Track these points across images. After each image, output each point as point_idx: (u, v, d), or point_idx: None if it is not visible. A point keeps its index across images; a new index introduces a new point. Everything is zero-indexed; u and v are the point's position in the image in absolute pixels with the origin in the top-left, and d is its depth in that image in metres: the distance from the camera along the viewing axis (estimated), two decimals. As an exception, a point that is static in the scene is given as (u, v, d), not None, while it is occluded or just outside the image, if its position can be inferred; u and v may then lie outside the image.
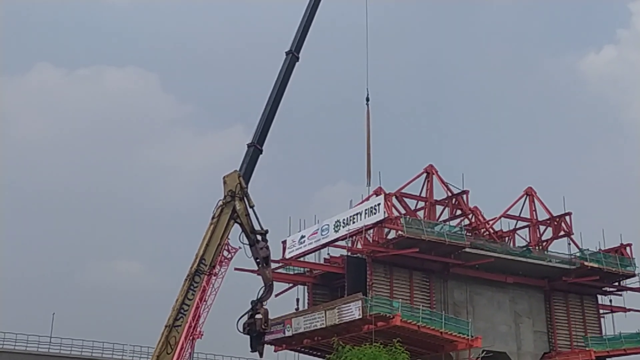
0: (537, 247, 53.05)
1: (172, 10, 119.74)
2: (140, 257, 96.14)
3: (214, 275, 34.08)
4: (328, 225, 48.77)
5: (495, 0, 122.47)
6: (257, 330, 34.10)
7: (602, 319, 53.72)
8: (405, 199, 51.20)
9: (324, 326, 43.34)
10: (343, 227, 47.59)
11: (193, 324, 33.10)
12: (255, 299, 34.58)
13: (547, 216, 53.94)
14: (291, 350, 50.50)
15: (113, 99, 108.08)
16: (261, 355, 35.99)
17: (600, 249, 51.82)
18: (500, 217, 53.31)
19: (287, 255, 50.42)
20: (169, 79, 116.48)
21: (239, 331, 34.37)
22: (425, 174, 51.37)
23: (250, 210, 34.91)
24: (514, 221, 54.41)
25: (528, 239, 53.79)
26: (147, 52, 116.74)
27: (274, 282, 36.48)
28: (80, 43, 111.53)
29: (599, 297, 54.06)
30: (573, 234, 53.02)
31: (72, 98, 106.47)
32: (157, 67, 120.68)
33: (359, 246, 47.47)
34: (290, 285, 51.03)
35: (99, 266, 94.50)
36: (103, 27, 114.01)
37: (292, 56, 39.12)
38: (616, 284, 53.21)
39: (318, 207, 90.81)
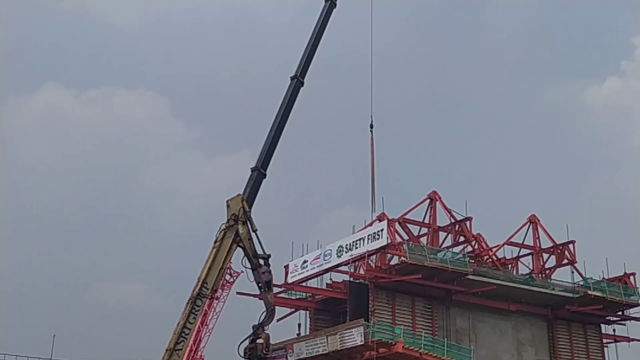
0: (540, 275, 52.95)
1: (183, 35, 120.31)
2: (145, 279, 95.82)
3: (216, 299, 34.06)
4: (331, 250, 48.74)
5: (500, 29, 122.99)
6: (258, 355, 33.99)
7: (605, 349, 53.39)
8: (409, 225, 51.21)
9: (325, 352, 43.15)
10: (346, 252, 47.53)
11: (194, 348, 33.04)
12: (256, 323, 34.51)
13: (551, 244, 53.89)
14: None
15: (122, 122, 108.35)
16: (262, 380, 35.76)
17: (603, 278, 51.61)
18: (503, 245, 53.28)
19: (290, 280, 50.33)
20: (178, 103, 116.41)
21: (240, 356, 34.26)
22: (428, 200, 51.42)
23: (253, 235, 34.97)
24: (517, 248, 54.39)
25: (531, 267, 53.70)
26: (157, 75, 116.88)
27: (276, 307, 36.46)
28: (91, 64, 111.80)
29: (603, 326, 53.80)
30: (576, 262, 52.98)
31: (81, 119, 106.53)
32: (167, 91, 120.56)
33: (362, 272, 47.42)
34: (292, 310, 50.91)
35: (104, 288, 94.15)
36: (114, 49, 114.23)
37: (297, 81, 39.34)
38: (620, 313, 52.99)
39: (323, 231, 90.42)
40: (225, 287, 34.72)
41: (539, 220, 54.28)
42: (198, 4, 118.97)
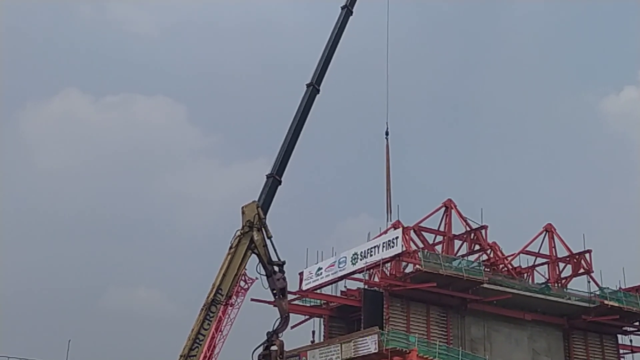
0: (556, 285, 52.64)
1: (200, 41, 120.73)
2: (160, 284, 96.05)
3: (230, 306, 34.06)
4: (345, 257, 48.70)
5: (516, 37, 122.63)
6: (272, 362, 33.91)
7: (622, 359, 53.02)
8: (424, 233, 51.11)
9: (339, 359, 43.10)
10: (360, 259, 47.50)
11: (208, 354, 33.05)
12: (270, 330, 34.39)
13: (567, 253, 53.59)
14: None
15: (139, 128, 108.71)
16: (276, 387, 35.67)
17: (620, 288, 51.32)
18: (519, 253, 53.06)
19: (304, 287, 50.35)
20: (195, 110, 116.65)
21: (254, 362, 34.19)
22: (444, 208, 51.32)
23: (267, 241, 34.90)
24: (533, 257, 54.14)
25: (547, 276, 53.40)
26: (175, 82, 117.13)
27: (290, 314, 36.28)
28: (109, 70, 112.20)
29: (619, 336, 53.47)
30: (593, 271, 52.62)
31: (99, 125, 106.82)
32: (185, 97, 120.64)
33: (376, 279, 47.33)
34: (307, 317, 50.91)
35: (119, 293, 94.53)
36: (132, 55, 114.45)
37: (313, 88, 39.23)
38: (637, 323, 52.62)
39: (338, 239, 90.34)
40: (240, 294, 34.73)
41: (555, 229, 53.98)
42: (215, 10, 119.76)
